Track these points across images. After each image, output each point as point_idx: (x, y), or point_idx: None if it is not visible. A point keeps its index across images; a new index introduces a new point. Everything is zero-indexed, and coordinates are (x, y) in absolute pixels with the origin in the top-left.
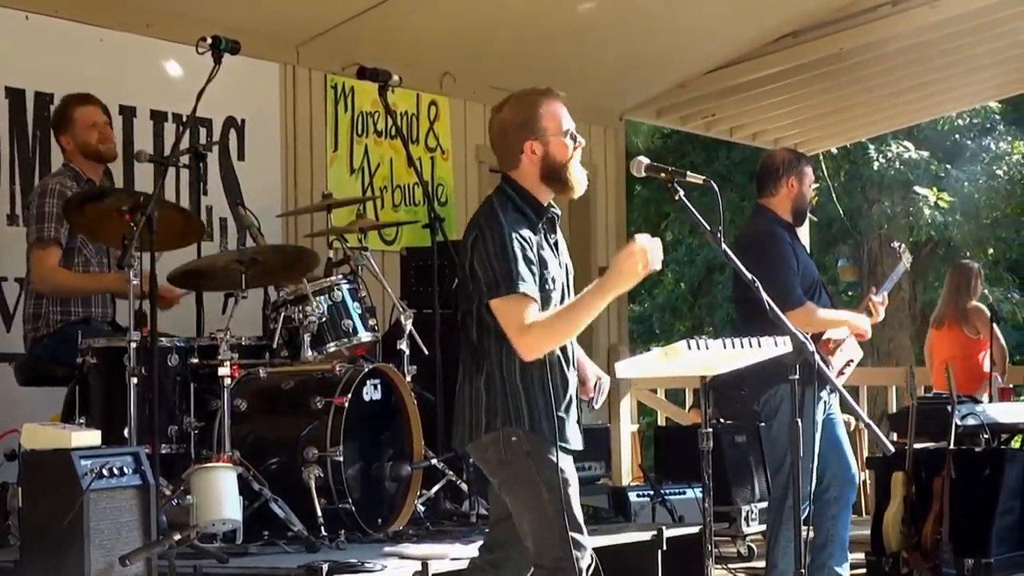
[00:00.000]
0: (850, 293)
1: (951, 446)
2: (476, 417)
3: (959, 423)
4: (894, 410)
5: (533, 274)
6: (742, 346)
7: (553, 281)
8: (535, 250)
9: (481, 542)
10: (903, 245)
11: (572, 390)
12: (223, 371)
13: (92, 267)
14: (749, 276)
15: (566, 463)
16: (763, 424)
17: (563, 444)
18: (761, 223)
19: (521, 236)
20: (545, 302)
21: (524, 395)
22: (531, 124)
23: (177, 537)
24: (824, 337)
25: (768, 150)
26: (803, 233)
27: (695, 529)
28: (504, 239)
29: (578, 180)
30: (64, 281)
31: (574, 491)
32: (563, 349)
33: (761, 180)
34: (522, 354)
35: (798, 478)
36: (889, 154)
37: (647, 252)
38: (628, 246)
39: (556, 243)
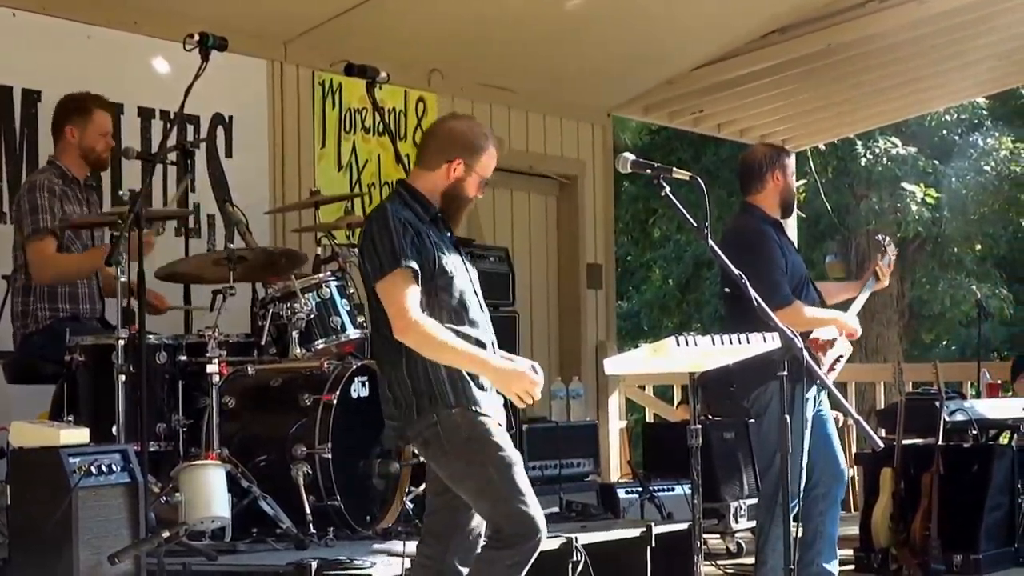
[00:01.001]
0: None
1: (939, 442)
2: (407, 408)
3: (947, 419)
4: (882, 406)
5: (416, 252)
6: (731, 342)
7: (455, 268)
8: (422, 235)
9: (418, 539)
10: (887, 237)
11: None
12: (211, 368)
13: None
14: (736, 273)
15: (502, 436)
16: (752, 420)
17: (487, 411)
18: (748, 220)
19: (402, 218)
20: (445, 288)
21: (445, 371)
22: (472, 151)
23: (166, 535)
24: (812, 336)
25: (748, 147)
26: (790, 229)
27: (684, 526)
28: (387, 221)
29: (461, 219)
30: (65, 265)
31: (518, 463)
32: (473, 319)
33: (744, 179)
34: (394, 331)
35: (787, 475)
36: (877, 150)
37: (529, 383)
38: (523, 373)
39: (452, 241)
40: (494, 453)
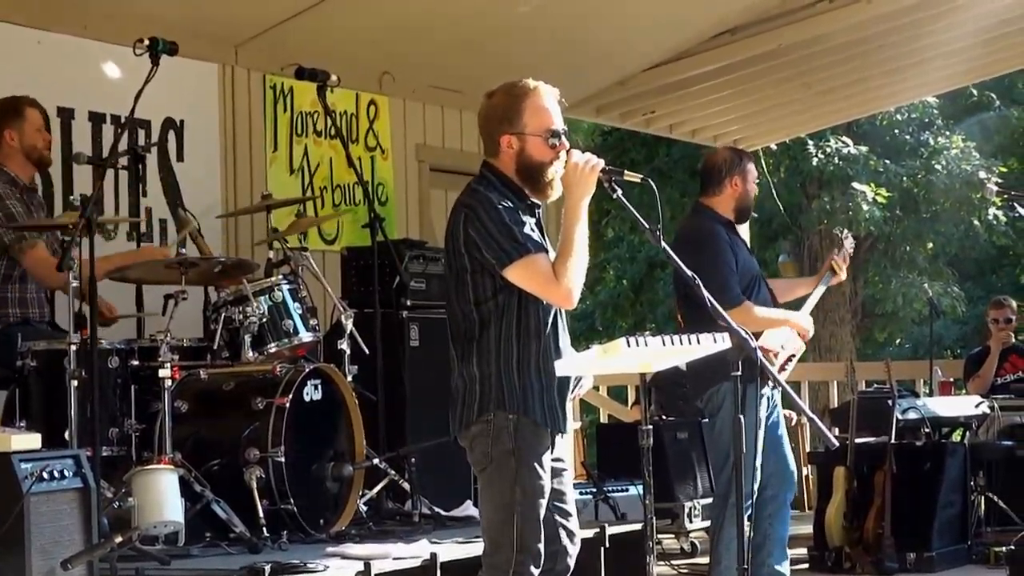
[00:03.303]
0: None
1: (892, 440)
2: (468, 406)
3: (900, 417)
4: (835, 405)
5: (530, 236)
6: (681, 343)
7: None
8: (522, 220)
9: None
10: (846, 230)
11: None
12: (164, 373)
13: None
14: (690, 274)
15: (545, 460)
16: (706, 420)
17: (553, 428)
18: (698, 220)
19: (507, 206)
20: None
21: (518, 376)
22: (512, 118)
23: (119, 540)
24: (761, 344)
25: (708, 147)
26: (743, 229)
27: (639, 526)
28: (497, 210)
29: (554, 184)
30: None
31: (545, 496)
32: (556, 337)
33: (704, 179)
34: (562, 303)
35: (741, 474)
36: (828, 150)
37: (583, 159)
38: (567, 166)
39: (541, 228)
40: (529, 477)
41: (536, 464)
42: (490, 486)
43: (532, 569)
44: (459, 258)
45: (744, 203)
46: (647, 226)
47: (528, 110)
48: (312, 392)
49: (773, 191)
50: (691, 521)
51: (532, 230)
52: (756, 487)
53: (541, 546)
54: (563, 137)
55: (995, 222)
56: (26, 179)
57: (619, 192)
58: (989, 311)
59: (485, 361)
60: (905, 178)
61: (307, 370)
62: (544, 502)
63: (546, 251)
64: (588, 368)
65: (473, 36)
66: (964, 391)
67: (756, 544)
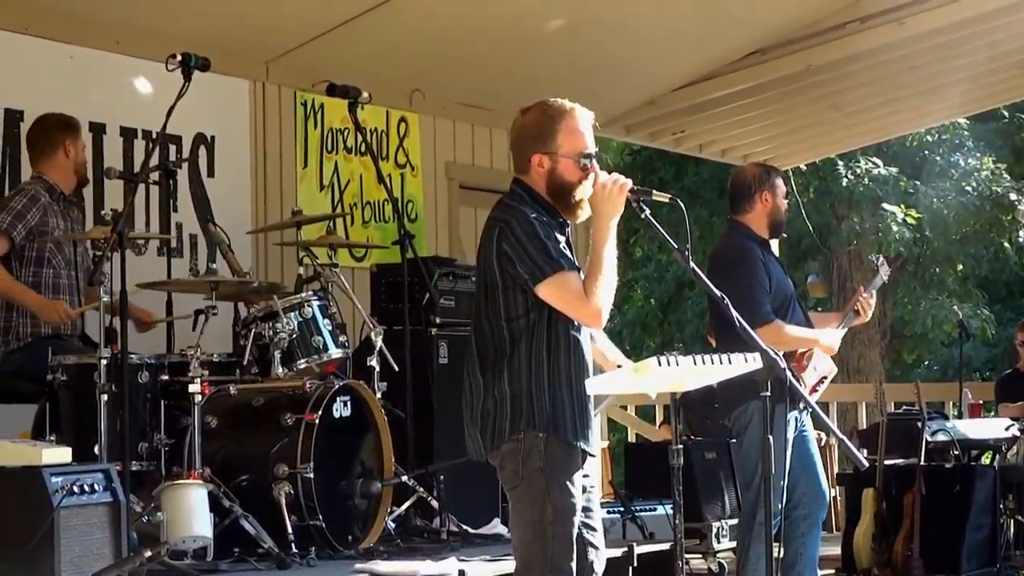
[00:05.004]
0: (819, 309)
1: (921, 462)
2: (499, 424)
3: (929, 439)
4: (864, 426)
5: (564, 253)
6: (712, 362)
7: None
8: (555, 237)
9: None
10: (881, 257)
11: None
12: (193, 388)
13: (61, 279)
14: (718, 293)
15: (577, 479)
16: (734, 440)
17: (583, 446)
18: (733, 239)
19: (542, 221)
20: None
21: (550, 394)
22: (545, 138)
23: (148, 554)
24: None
25: (738, 166)
26: (773, 249)
27: (666, 546)
28: (532, 224)
29: (582, 204)
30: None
31: (577, 514)
32: (584, 356)
33: (734, 198)
34: (590, 323)
35: (770, 495)
36: (858, 170)
37: (611, 179)
38: (595, 186)
39: (571, 247)
40: (560, 495)
41: (567, 482)
42: (521, 505)
43: None
44: (491, 273)
45: (776, 218)
46: (676, 246)
47: (562, 131)
48: (341, 408)
49: (803, 211)
50: (719, 541)
51: (565, 248)
52: (784, 507)
53: (573, 564)
54: (594, 159)
55: None
56: (67, 192)
57: (647, 212)
58: (1018, 334)
59: (516, 378)
60: (935, 199)
61: (336, 386)
62: (576, 520)
63: (578, 269)
64: (619, 387)
65: (503, 54)
66: (994, 413)
67: (787, 564)
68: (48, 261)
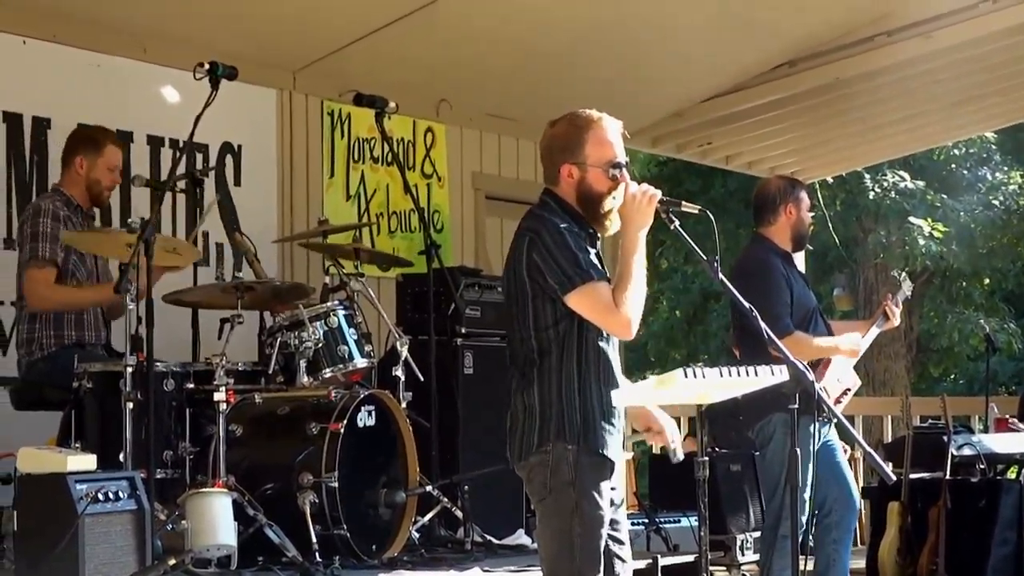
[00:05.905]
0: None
1: (947, 476)
2: (527, 435)
3: (955, 453)
4: (889, 440)
5: (594, 263)
6: (738, 375)
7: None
8: (585, 247)
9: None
10: (903, 273)
11: (621, 408)
12: (219, 396)
13: None
14: (747, 305)
15: (605, 491)
16: (758, 452)
17: (611, 455)
18: (755, 251)
19: (572, 231)
20: None
21: (579, 405)
22: (573, 148)
23: (172, 562)
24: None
25: (764, 179)
26: (798, 262)
27: (690, 558)
28: (562, 234)
29: (611, 216)
30: (63, 296)
31: (605, 526)
32: (613, 367)
33: (758, 210)
34: (620, 333)
35: (795, 507)
36: (885, 183)
37: (640, 190)
38: (623, 197)
39: (600, 258)
40: (588, 507)
41: (595, 494)
42: (548, 516)
43: None
44: (521, 283)
45: (800, 231)
46: (704, 257)
47: (591, 141)
48: (366, 418)
49: (829, 224)
50: (743, 554)
51: (595, 259)
52: (813, 515)
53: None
54: (623, 169)
55: None
56: (85, 205)
57: (676, 223)
58: None
59: (546, 389)
60: (962, 213)
61: (361, 396)
62: (604, 532)
63: (608, 280)
64: (644, 399)
65: (530, 66)
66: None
67: (819, 571)
68: (72, 274)
